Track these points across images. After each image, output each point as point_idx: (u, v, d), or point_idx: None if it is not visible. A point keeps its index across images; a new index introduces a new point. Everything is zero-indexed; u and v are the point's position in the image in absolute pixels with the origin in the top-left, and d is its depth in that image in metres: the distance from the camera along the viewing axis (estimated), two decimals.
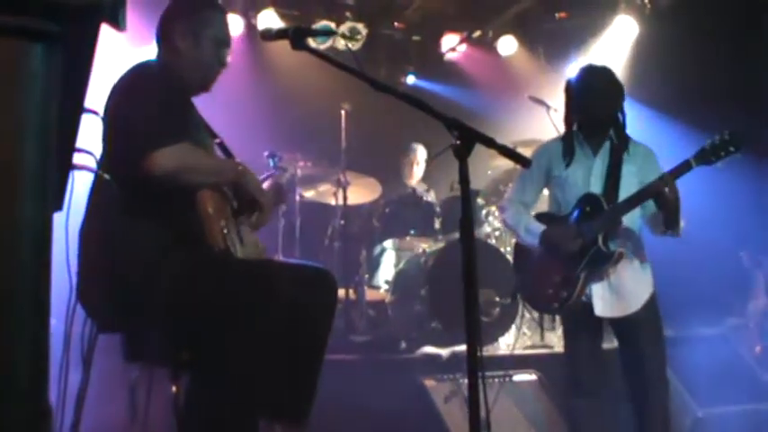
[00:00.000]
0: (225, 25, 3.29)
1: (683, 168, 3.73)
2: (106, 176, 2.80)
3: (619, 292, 3.96)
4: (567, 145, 4.12)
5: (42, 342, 1.38)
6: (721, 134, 3.71)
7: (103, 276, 2.85)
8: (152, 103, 2.94)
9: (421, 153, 7.44)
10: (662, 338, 4.00)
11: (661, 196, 3.74)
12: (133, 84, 3.03)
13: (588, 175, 4.05)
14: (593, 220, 3.92)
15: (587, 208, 3.97)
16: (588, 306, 3.97)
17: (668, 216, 3.80)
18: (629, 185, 3.94)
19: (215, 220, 2.92)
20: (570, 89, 4.14)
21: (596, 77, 4.08)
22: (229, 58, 3.28)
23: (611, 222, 3.91)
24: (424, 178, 7.54)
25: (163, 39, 3.22)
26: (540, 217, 4.19)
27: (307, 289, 2.95)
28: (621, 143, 4.05)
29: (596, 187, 4.01)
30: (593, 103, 4.04)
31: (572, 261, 3.95)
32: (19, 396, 1.32)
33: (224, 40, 3.25)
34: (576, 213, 4.01)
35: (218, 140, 3.35)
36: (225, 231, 2.95)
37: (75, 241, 2.88)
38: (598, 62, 4.25)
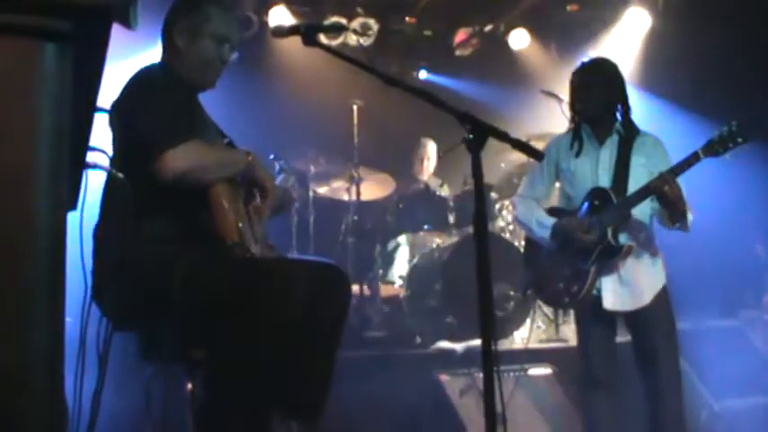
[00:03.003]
0: (226, 21, 3.24)
1: (692, 160, 3.74)
2: (120, 175, 2.81)
3: (629, 286, 3.95)
4: (575, 137, 4.14)
5: (58, 341, 1.38)
6: (729, 125, 3.71)
7: (118, 275, 2.86)
8: (158, 105, 2.95)
9: (431, 148, 7.43)
10: (674, 331, 3.99)
11: (662, 194, 3.74)
12: (138, 87, 3.04)
13: (596, 168, 4.05)
14: (602, 214, 3.92)
15: (596, 201, 3.97)
16: (599, 300, 3.96)
17: (672, 212, 3.81)
18: (638, 177, 3.94)
19: (229, 213, 2.93)
20: (570, 83, 4.17)
21: (590, 71, 4.13)
22: (234, 55, 3.28)
23: (620, 216, 3.91)
24: (438, 173, 7.53)
25: (165, 39, 3.23)
26: (549, 212, 4.19)
27: (319, 286, 2.95)
28: (629, 135, 4.05)
29: (604, 180, 4.01)
30: (587, 97, 4.08)
31: (582, 255, 3.95)
32: (35, 395, 1.32)
33: (224, 37, 3.20)
34: (584, 207, 4.01)
35: (226, 140, 3.36)
36: (240, 225, 2.95)
37: (90, 238, 2.89)
38: (607, 55, 4.27)
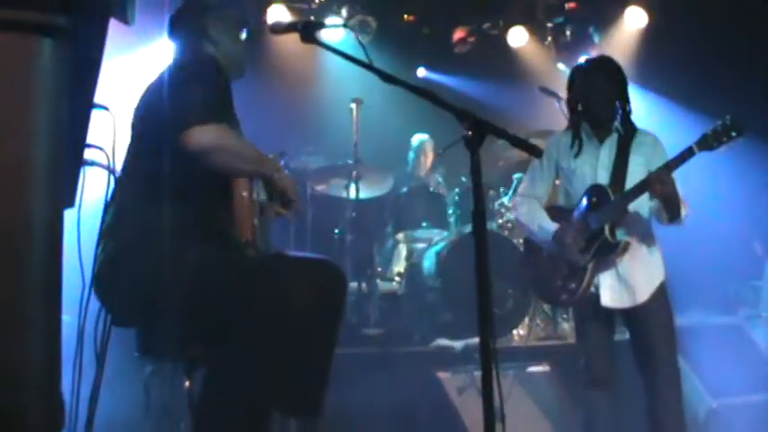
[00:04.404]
0: (247, 19, 3.43)
1: (686, 155, 3.74)
2: (117, 172, 2.81)
3: (627, 283, 3.95)
4: (575, 136, 4.14)
5: (54, 338, 1.38)
6: (723, 120, 3.71)
7: (123, 271, 2.85)
8: (200, 84, 2.94)
9: (429, 144, 7.43)
10: (672, 329, 3.98)
11: (656, 189, 3.74)
12: (193, 67, 3.07)
13: (595, 166, 4.05)
14: (600, 211, 3.92)
15: (594, 198, 3.97)
16: (598, 297, 3.97)
17: (667, 207, 3.81)
18: (636, 175, 3.93)
19: (248, 209, 2.93)
20: (570, 81, 4.18)
21: (592, 70, 4.11)
22: None
23: (617, 212, 3.91)
24: (436, 170, 7.53)
25: (194, 34, 3.25)
26: (549, 210, 4.19)
27: (316, 283, 2.95)
28: (628, 133, 4.05)
29: (603, 178, 4.01)
30: (590, 96, 4.07)
31: (579, 252, 3.95)
32: (32, 391, 1.32)
33: (246, 33, 3.38)
34: (583, 204, 4.01)
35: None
36: (255, 222, 2.95)
37: (88, 236, 2.88)
38: (605, 52, 4.26)
